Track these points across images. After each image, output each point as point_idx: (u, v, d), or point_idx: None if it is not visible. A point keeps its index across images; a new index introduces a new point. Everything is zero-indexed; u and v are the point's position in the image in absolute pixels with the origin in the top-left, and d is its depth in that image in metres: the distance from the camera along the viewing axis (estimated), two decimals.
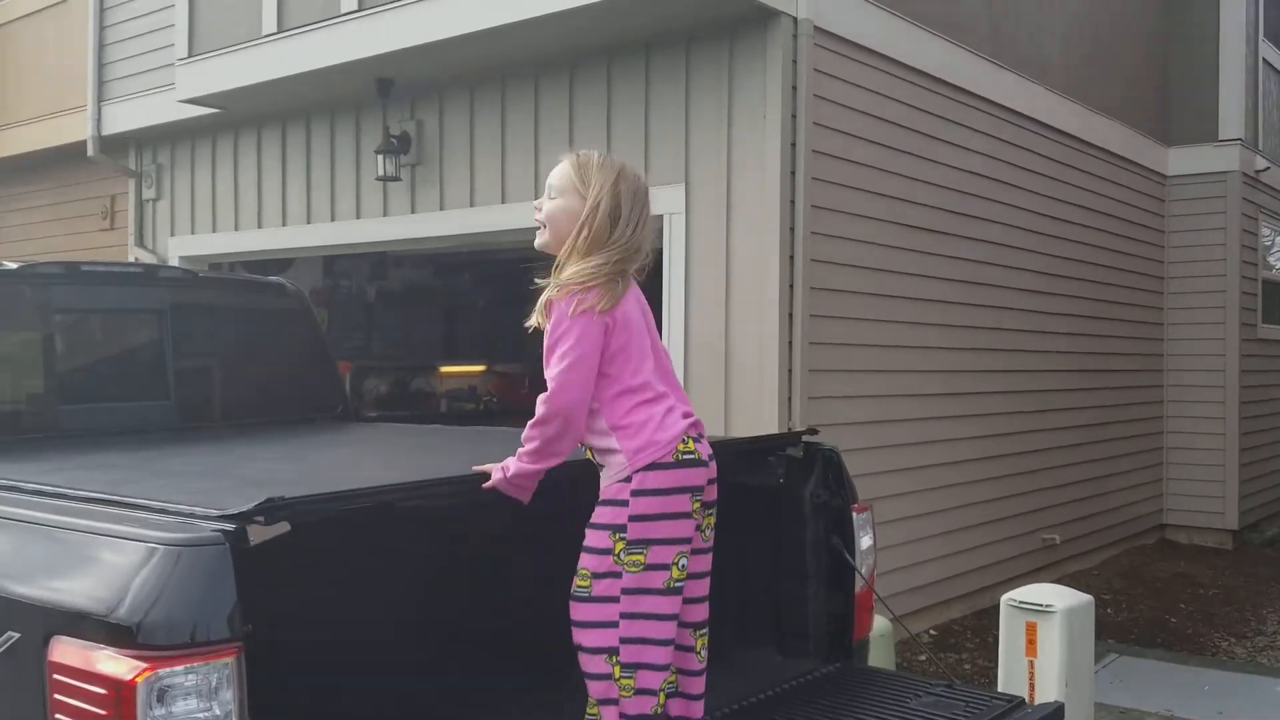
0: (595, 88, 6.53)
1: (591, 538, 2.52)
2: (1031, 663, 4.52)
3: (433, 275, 11.38)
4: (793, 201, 5.84)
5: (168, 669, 1.86)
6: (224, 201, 8.58)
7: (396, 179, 7.33)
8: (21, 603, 2.06)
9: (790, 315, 5.82)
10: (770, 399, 5.78)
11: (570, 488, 2.63)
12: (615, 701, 2.49)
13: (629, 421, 2.50)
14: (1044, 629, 4.50)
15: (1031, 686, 4.50)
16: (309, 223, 8.04)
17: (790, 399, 5.82)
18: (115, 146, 9.13)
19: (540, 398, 2.51)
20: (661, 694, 2.50)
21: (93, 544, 2.06)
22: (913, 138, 6.72)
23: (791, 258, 5.83)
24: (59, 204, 10.09)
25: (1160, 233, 10.06)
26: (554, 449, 2.52)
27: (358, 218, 7.75)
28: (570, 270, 2.51)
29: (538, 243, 2.66)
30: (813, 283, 5.91)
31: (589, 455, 2.63)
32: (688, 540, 2.52)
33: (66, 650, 1.93)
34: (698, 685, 2.66)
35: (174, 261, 8.83)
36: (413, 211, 7.46)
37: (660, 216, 6.26)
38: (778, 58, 5.78)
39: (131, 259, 9.05)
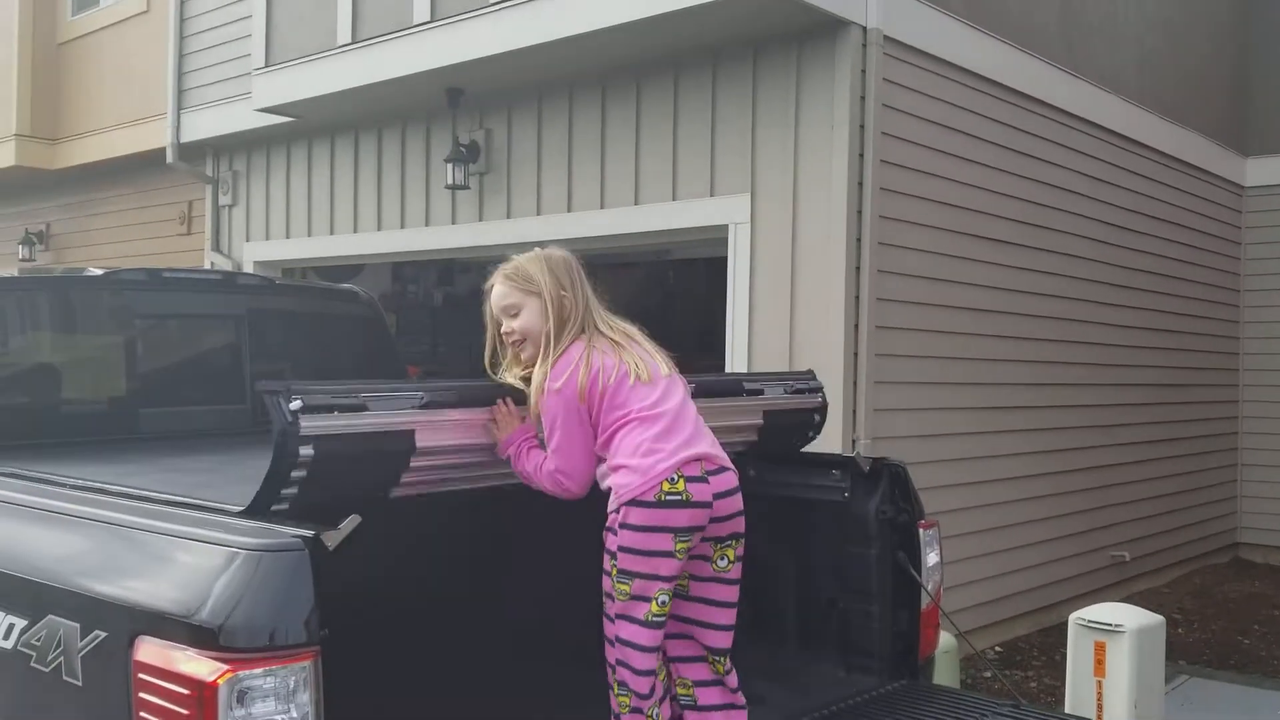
0: (661, 97, 6.56)
1: (605, 560, 2.63)
2: (1100, 683, 4.46)
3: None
4: (859, 212, 5.82)
5: (248, 671, 1.91)
6: (297, 208, 8.76)
7: (465, 187, 7.42)
8: (109, 603, 2.13)
9: (856, 327, 5.80)
10: (835, 412, 5.72)
11: None
12: (617, 717, 2.60)
13: (618, 456, 2.58)
14: (1113, 649, 4.43)
15: (1100, 707, 4.44)
16: (380, 229, 8.17)
17: (855, 411, 5.79)
18: (193, 153, 9.36)
19: (550, 473, 2.63)
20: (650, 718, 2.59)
21: (176, 547, 2.12)
22: (982, 147, 6.66)
23: (858, 269, 5.81)
24: (139, 209, 10.36)
25: (1237, 244, 9.84)
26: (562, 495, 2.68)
27: (427, 225, 7.86)
28: (550, 357, 2.66)
29: (525, 356, 2.76)
30: (879, 294, 5.88)
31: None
32: (670, 579, 2.55)
33: (151, 650, 1.99)
34: (719, 696, 2.71)
35: (248, 266, 9.03)
36: (480, 220, 7.54)
37: (725, 226, 6.29)
38: (846, 67, 5.76)
39: (208, 264, 9.27)
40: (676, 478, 2.51)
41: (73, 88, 10.73)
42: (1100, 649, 4.46)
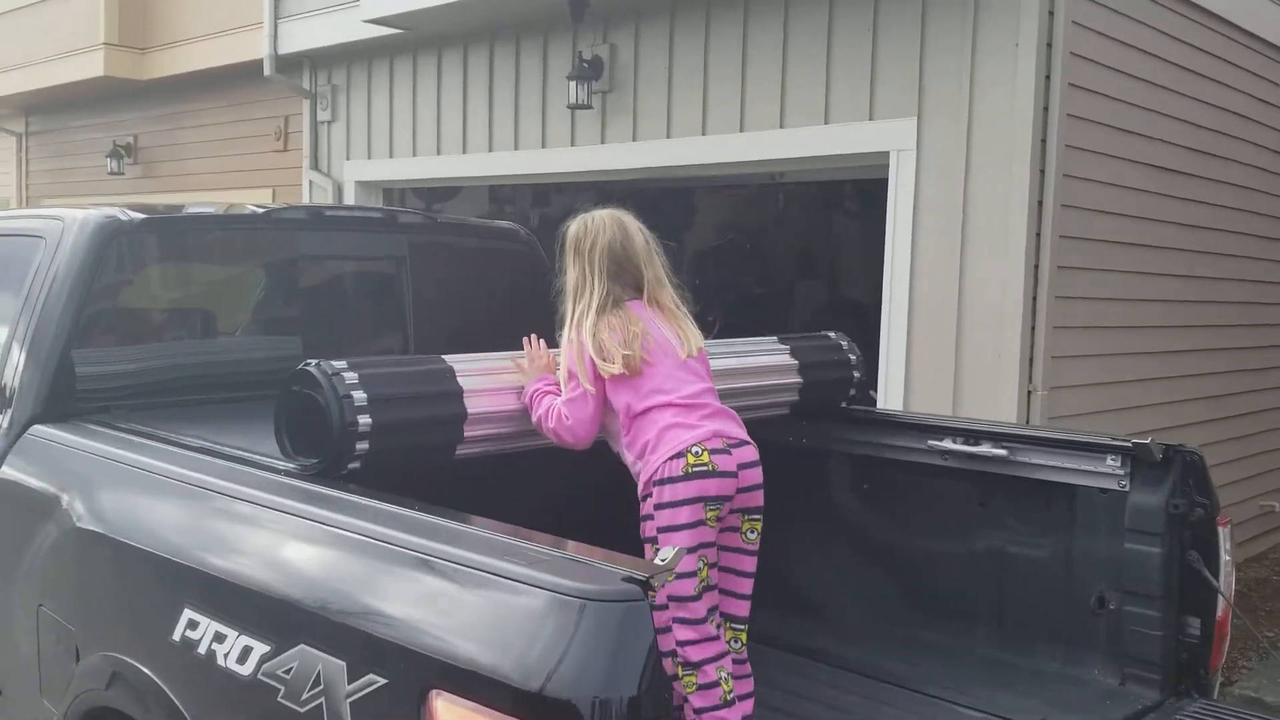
0: (814, 7, 6.01)
1: (646, 551, 2.65)
2: None
3: (596, 204, 11.03)
4: (1043, 140, 5.30)
5: None
6: (401, 126, 8.32)
7: (587, 107, 6.94)
8: (388, 642, 1.77)
9: (1036, 267, 5.32)
10: (1010, 360, 5.31)
11: None
12: (685, 700, 2.58)
13: (641, 439, 2.65)
14: None
15: None
16: (491, 150, 7.73)
17: (1031, 360, 5.35)
18: (290, 66, 8.90)
19: (558, 425, 2.66)
20: (725, 682, 2.61)
21: (473, 580, 1.74)
22: (1164, 68, 6.06)
23: (1040, 203, 5.31)
24: (232, 123, 9.96)
25: None
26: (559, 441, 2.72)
27: (543, 147, 7.41)
28: (571, 326, 2.73)
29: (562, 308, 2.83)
30: (1061, 231, 5.38)
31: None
32: (707, 547, 2.62)
33: (457, 712, 1.64)
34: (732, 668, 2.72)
35: (349, 186, 8.66)
36: (602, 142, 7.08)
37: (885, 153, 5.79)
38: None
39: (306, 182, 8.90)
40: (700, 450, 2.59)
41: None
42: None
